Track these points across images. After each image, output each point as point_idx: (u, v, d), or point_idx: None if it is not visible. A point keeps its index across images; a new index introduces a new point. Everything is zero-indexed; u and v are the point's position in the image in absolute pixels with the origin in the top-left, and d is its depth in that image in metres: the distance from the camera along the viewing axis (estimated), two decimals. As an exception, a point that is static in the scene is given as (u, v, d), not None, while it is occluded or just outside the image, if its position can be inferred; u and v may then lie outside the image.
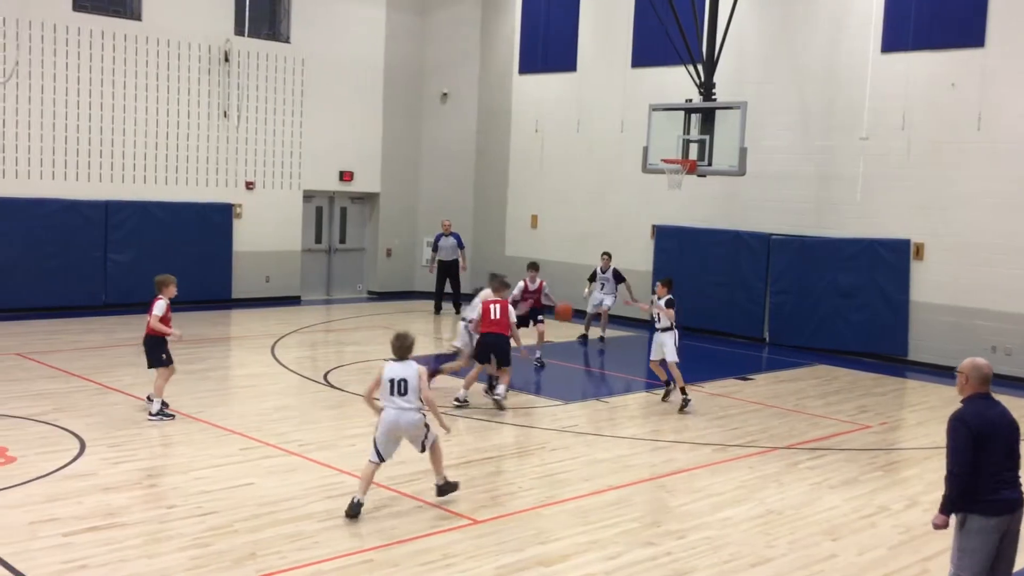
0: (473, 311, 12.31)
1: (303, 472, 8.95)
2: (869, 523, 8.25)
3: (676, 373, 12.19)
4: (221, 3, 19.46)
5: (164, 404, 10.53)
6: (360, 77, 21.70)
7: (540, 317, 15.02)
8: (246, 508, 7.84)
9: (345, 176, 21.74)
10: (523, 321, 14.28)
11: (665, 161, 16.31)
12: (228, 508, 7.85)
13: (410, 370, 7.90)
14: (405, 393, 7.82)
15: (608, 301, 17.55)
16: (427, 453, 8.09)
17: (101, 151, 18.13)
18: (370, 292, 22.63)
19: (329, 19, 21.03)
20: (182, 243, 18.90)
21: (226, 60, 19.44)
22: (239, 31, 19.73)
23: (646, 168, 16.88)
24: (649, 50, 19.27)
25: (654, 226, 19.57)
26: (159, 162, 18.85)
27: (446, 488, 8.21)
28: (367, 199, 22.63)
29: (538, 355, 14.65)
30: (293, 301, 20.75)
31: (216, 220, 19.57)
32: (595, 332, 17.54)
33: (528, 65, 21.84)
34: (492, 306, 11.76)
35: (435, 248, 20.00)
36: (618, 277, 17.56)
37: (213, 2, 19.35)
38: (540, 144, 21.62)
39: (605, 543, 7.44)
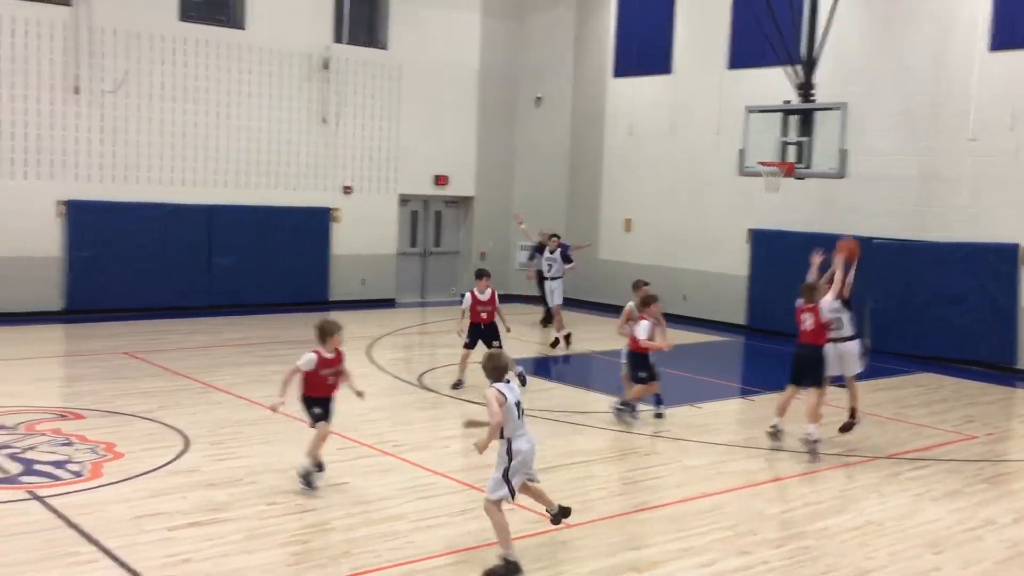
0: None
1: (397, 473, 9.07)
2: (974, 536, 7.97)
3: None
4: (321, 12, 19.89)
5: (317, 466, 8.58)
6: (455, 82, 21.92)
7: (497, 342, 12.54)
8: (342, 507, 7.98)
9: (440, 180, 21.98)
10: (475, 341, 12.61)
11: (762, 164, 16.04)
12: (325, 506, 8.01)
13: (516, 392, 6.99)
14: (522, 415, 6.97)
15: (558, 298, 16.89)
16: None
17: (205, 157, 18.69)
18: (464, 295, 22.78)
19: (426, 25, 21.29)
20: (282, 246, 19.40)
21: (325, 67, 19.85)
22: (338, 39, 20.13)
23: (742, 171, 16.63)
24: (746, 51, 19.00)
25: (750, 230, 19.27)
26: (260, 167, 19.34)
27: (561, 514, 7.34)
28: (461, 203, 22.84)
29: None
30: (388, 304, 21.06)
31: (315, 224, 20.00)
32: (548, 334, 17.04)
33: (622, 68, 21.75)
34: (804, 314, 10.35)
35: (531, 257, 19.29)
36: (566, 259, 17.25)
37: (314, 11, 19.79)
38: (634, 147, 21.50)
39: (699, 550, 7.35)
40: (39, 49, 16.77)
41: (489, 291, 12.89)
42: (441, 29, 21.57)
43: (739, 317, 19.23)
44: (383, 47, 20.91)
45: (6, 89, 16.52)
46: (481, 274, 13.05)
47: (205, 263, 18.72)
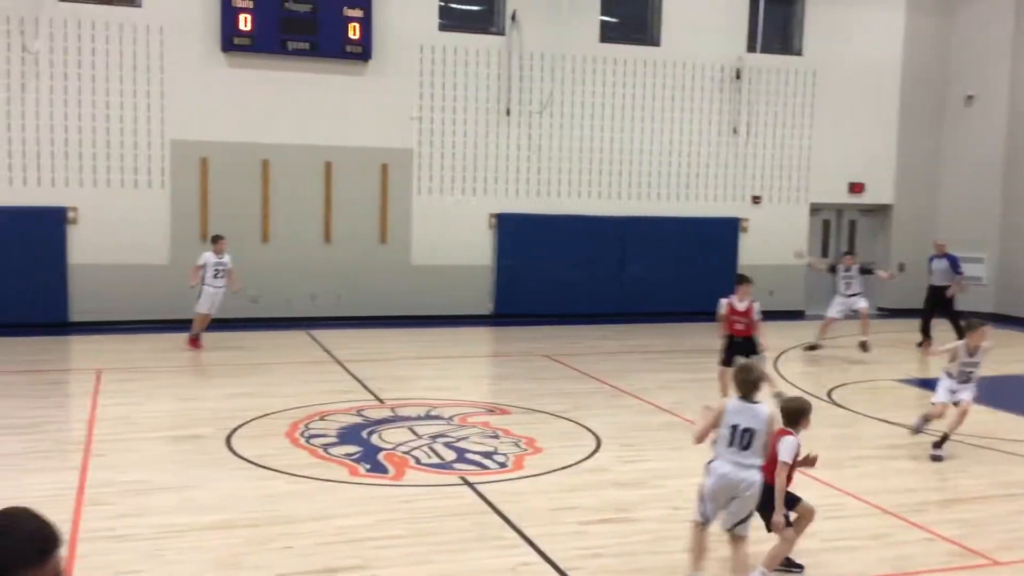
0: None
1: (804, 490, 8.82)
2: None
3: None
4: (735, 23, 19.90)
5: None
6: (874, 84, 20.86)
7: (756, 356, 11.05)
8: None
9: (855, 188, 21.03)
10: (731, 357, 11.14)
11: None
12: (730, 516, 8.00)
13: (758, 417, 6.19)
14: (748, 447, 6.19)
15: (862, 303, 16.23)
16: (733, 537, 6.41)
17: (620, 171, 19.46)
18: (880, 308, 21.60)
19: (844, 27, 20.48)
20: (691, 256, 19.66)
21: (737, 77, 19.84)
22: (751, 48, 20.02)
23: None
24: None
25: None
26: (671, 179, 19.76)
27: None
28: (878, 211, 21.66)
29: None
30: (796, 315, 20.50)
31: (722, 234, 20.05)
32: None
33: (1073, 58, 19.42)
34: None
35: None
36: (865, 270, 16.55)
37: (728, 22, 19.85)
38: (1086, 147, 19.09)
39: None
40: (477, 76, 18.48)
41: (747, 301, 11.63)
42: (860, 30, 20.65)
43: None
44: (798, 53, 20.45)
45: (449, 113, 18.39)
46: (741, 280, 11.96)
47: (617, 272, 19.48)
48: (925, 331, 17.25)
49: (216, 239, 15.14)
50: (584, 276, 19.25)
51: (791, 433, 6.42)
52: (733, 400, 6.32)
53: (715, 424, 6.32)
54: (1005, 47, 20.83)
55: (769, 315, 19.68)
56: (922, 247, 21.42)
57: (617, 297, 19.47)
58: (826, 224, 21.51)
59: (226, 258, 15.00)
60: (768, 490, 6.31)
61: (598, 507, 8.09)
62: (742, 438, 6.15)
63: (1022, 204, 20.53)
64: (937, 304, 17.26)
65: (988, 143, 21.10)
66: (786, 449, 6.28)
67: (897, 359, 15.88)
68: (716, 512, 6.33)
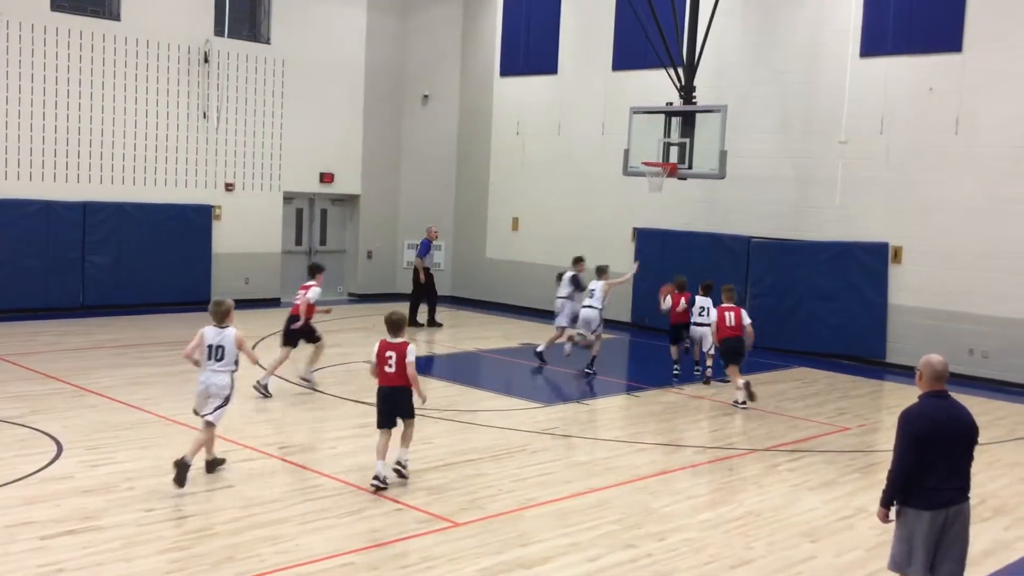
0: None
1: (283, 475, 8.91)
2: (847, 525, 8.30)
3: None
4: (201, 4, 19.37)
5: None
6: (341, 78, 21.66)
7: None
8: (225, 511, 7.80)
9: (326, 178, 21.69)
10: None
11: (646, 164, 16.37)
12: (207, 511, 7.81)
13: (227, 336, 8.55)
14: (222, 359, 8.49)
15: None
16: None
17: (79, 152, 18.00)
18: (351, 294, 22.58)
19: (309, 20, 20.98)
20: (161, 245, 18.82)
21: (206, 61, 19.35)
22: (219, 32, 19.65)
23: (627, 171, 16.94)
24: (630, 53, 19.33)
25: (635, 229, 19.62)
26: (138, 163, 18.73)
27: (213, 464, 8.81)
28: (348, 201, 22.59)
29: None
30: (273, 303, 20.65)
31: (195, 221, 19.46)
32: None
33: (509, 67, 21.87)
34: (727, 313, 12.60)
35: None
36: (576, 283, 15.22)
37: (193, 3, 19.25)
38: (521, 146, 21.63)
39: (586, 545, 7.45)
40: None
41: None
42: (325, 23, 21.29)
43: (625, 315, 19.55)
44: (265, 41, 20.51)
45: None
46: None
47: (79, 262, 18.01)
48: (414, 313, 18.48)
49: None
50: (39, 266, 17.51)
51: (408, 342, 8.66)
52: (210, 327, 8.50)
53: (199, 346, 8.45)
54: (455, 51, 22.85)
55: (245, 303, 19.77)
56: (388, 234, 22.84)
57: (80, 289, 18.02)
58: (299, 212, 21.93)
59: None
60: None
61: (60, 518, 7.41)
62: (217, 353, 8.46)
63: (471, 196, 22.74)
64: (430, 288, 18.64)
65: (442, 139, 23.02)
66: (412, 353, 8.59)
67: (369, 342, 16.63)
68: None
